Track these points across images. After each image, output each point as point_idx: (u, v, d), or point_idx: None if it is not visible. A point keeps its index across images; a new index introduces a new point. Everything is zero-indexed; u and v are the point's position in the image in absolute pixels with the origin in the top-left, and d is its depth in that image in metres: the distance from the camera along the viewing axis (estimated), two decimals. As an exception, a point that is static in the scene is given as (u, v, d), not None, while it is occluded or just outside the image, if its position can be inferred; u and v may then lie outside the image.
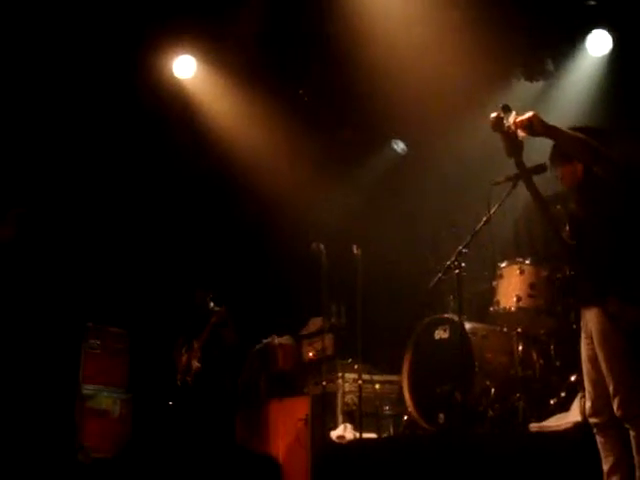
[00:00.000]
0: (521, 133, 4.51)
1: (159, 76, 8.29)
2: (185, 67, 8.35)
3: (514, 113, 4.52)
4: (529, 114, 4.49)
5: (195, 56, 8.30)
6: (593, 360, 4.58)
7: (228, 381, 8.34)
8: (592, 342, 4.58)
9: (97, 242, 9.04)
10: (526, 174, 4.72)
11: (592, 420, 4.63)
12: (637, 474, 4.37)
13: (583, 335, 4.70)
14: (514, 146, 4.56)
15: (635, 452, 4.38)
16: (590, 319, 4.58)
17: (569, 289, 4.69)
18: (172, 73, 8.34)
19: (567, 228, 4.80)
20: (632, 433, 4.39)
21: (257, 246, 9.77)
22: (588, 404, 4.66)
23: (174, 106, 8.55)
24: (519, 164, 4.65)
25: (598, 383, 4.56)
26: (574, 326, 5.75)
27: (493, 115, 4.54)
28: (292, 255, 8.96)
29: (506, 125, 4.50)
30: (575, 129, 4.66)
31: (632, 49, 7.15)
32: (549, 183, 5.15)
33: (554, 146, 4.77)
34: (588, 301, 4.61)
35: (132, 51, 7.90)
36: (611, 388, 4.44)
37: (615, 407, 4.42)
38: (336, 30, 7.57)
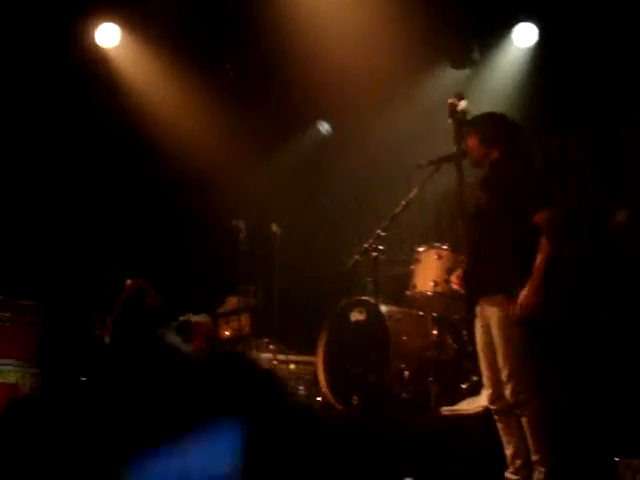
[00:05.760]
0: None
1: (82, 44, 8.05)
2: (109, 35, 8.12)
3: (465, 101, 4.65)
4: None
5: (119, 24, 8.09)
6: (491, 347, 4.67)
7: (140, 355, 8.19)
8: (489, 330, 4.67)
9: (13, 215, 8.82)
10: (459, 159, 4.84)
11: (493, 407, 4.72)
12: (532, 458, 4.47)
13: (480, 324, 4.78)
14: (460, 133, 4.73)
15: (529, 437, 4.49)
16: (491, 307, 4.66)
17: (469, 278, 4.78)
18: (95, 41, 8.11)
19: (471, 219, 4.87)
20: (524, 419, 4.51)
21: (176, 222, 9.64)
22: (489, 391, 4.74)
23: (98, 75, 8.32)
24: (460, 151, 4.79)
25: (496, 370, 4.65)
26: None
27: (449, 101, 4.71)
28: (211, 232, 8.88)
29: (458, 112, 4.63)
30: (493, 115, 4.83)
31: (556, 42, 7.27)
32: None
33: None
34: (490, 290, 4.68)
35: (56, 17, 7.66)
36: (504, 375, 4.54)
37: (507, 393, 4.53)
38: (265, 9, 7.48)
